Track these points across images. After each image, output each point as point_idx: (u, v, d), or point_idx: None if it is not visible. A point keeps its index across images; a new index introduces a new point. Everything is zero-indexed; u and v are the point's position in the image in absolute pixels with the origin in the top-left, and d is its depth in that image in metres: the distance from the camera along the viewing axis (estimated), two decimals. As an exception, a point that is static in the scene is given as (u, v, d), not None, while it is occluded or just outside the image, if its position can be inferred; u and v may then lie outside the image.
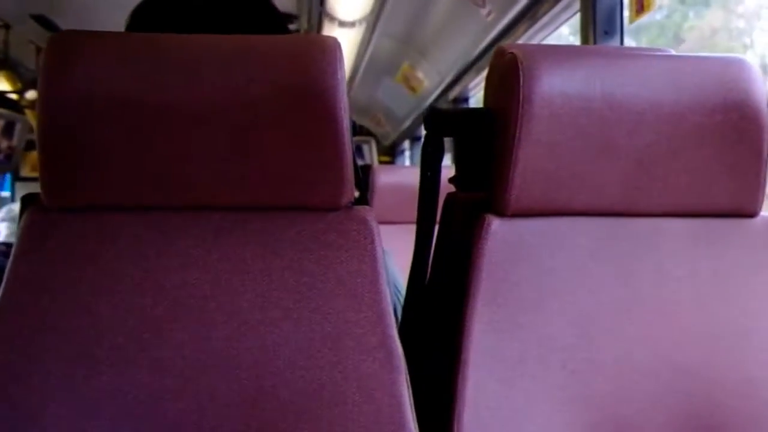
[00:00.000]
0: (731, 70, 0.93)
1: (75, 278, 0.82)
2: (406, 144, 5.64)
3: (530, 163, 0.89)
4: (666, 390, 0.92)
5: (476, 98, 3.83)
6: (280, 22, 1.13)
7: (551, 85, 0.87)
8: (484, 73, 2.95)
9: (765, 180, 0.95)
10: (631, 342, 0.92)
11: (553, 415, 0.89)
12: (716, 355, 0.93)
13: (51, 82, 0.79)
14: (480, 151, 0.96)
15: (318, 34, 0.92)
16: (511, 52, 0.90)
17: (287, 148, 0.82)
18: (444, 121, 1.01)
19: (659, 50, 1.06)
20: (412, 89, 4.48)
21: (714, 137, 0.92)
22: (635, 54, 0.96)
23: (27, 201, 0.88)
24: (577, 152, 0.89)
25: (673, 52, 1.01)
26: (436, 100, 4.22)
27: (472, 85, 3.68)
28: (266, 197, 0.85)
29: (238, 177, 0.83)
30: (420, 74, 4.18)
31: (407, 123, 5.25)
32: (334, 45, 0.83)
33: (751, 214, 0.97)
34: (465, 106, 3.82)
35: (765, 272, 0.96)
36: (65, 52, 0.80)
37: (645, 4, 2.04)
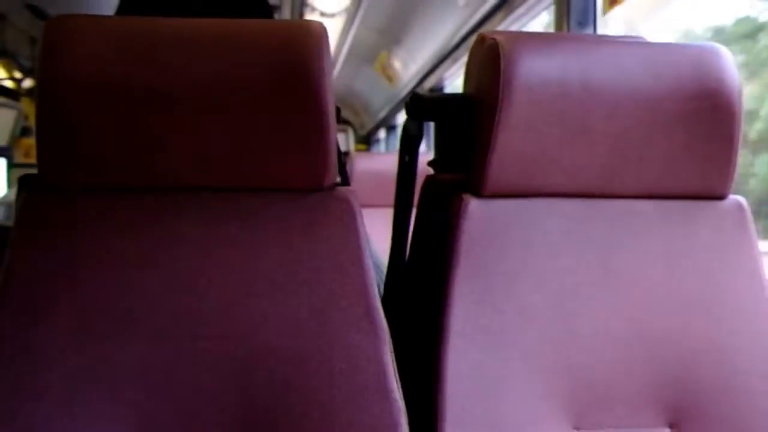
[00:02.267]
0: (706, 57, 0.90)
1: (72, 255, 0.80)
2: (382, 133, 5.52)
3: (509, 146, 0.86)
4: (640, 358, 0.90)
5: (452, 87, 3.68)
6: (268, 10, 1.09)
7: (531, 71, 0.85)
8: (460, 62, 2.84)
9: (735, 164, 0.93)
10: (606, 313, 0.90)
11: (531, 382, 0.87)
12: (688, 325, 0.92)
13: (48, 64, 0.77)
14: (459, 135, 0.94)
15: (306, 20, 0.86)
16: (493, 39, 0.88)
17: (274, 130, 0.81)
18: (425, 106, 0.98)
19: (636, 38, 1.04)
20: (389, 78, 4.38)
21: (688, 123, 0.89)
22: (613, 41, 0.93)
23: (24, 182, 0.85)
24: (554, 136, 0.87)
25: (648, 40, 0.99)
26: (413, 89, 4.08)
27: (447, 74, 3.54)
28: (254, 177, 0.84)
29: (228, 157, 0.82)
30: (397, 63, 4.08)
31: (383, 113, 5.14)
32: (320, 30, 0.82)
33: (721, 197, 0.95)
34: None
35: (733, 249, 0.95)
36: (62, 35, 0.78)
37: (618, -5, 1.95)
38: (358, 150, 5.97)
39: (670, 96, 0.88)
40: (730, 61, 0.91)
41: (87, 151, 0.80)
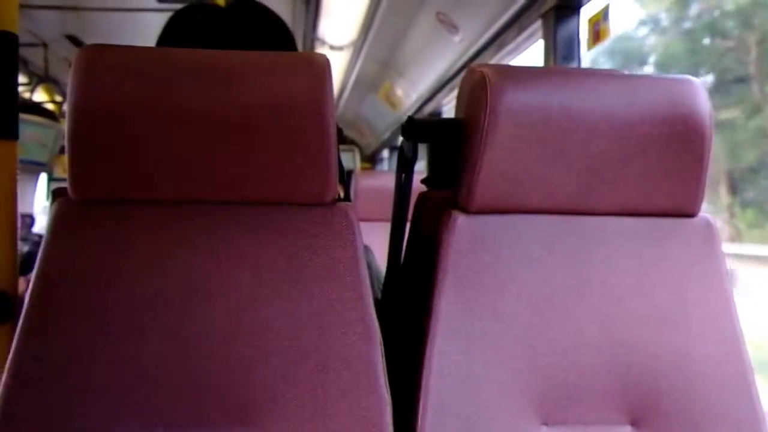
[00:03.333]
0: (679, 88, 0.92)
1: (96, 261, 0.82)
2: (386, 153, 5.58)
3: (493, 167, 0.89)
4: (608, 362, 0.92)
5: (449, 113, 3.75)
6: (293, 44, 1.11)
7: (514, 100, 0.87)
8: (456, 92, 2.91)
9: (704, 184, 0.95)
10: (580, 321, 0.92)
11: (506, 381, 0.89)
12: (656, 333, 0.93)
13: (78, 89, 0.79)
14: (450, 156, 0.96)
15: (311, 52, 0.90)
16: (480, 71, 0.91)
17: (280, 150, 0.83)
18: (420, 129, 1.01)
19: (614, 71, 1.05)
20: (392, 105, 4.41)
21: (660, 146, 0.91)
22: (593, 73, 0.94)
23: (56, 194, 0.89)
24: (535, 158, 0.89)
25: (627, 73, 0.99)
26: (413, 115, 4.12)
27: (445, 101, 3.61)
28: (262, 193, 0.85)
29: (238, 174, 0.84)
30: (399, 92, 4.12)
31: (387, 134, 5.19)
32: (323, 61, 0.84)
33: (691, 214, 0.96)
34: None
35: (701, 264, 0.96)
36: (91, 63, 0.80)
37: (600, 33, 2.02)
38: (363, 168, 6.00)
39: (645, 121, 0.90)
40: (702, 90, 0.93)
41: (110, 167, 0.82)
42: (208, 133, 0.81)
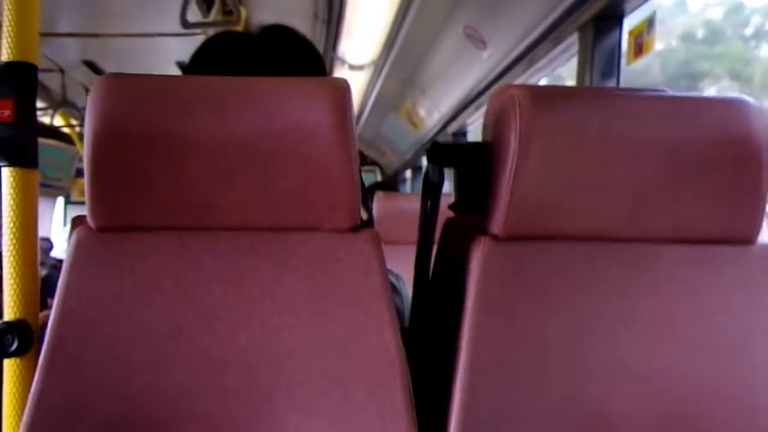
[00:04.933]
0: (731, 109, 0.87)
1: (116, 289, 0.82)
2: (408, 173, 5.48)
3: (524, 193, 0.85)
4: (657, 394, 0.87)
5: (474, 132, 3.64)
6: (323, 67, 1.08)
7: (546, 123, 0.83)
8: (482, 110, 2.78)
9: (763, 211, 0.90)
10: (624, 349, 0.87)
11: (545, 414, 0.85)
12: (710, 363, 0.88)
13: (97, 117, 0.79)
14: (478, 181, 0.93)
15: (330, 76, 0.86)
16: (510, 92, 0.87)
17: (302, 176, 0.81)
18: (445, 153, 0.98)
19: (657, 90, 0.99)
20: (414, 125, 4.33)
21: (712, 171, 0.86)
22: (633, 94, 0.89)
23: (76, 222, 0.89)
24: (571, 183, 0.85)
25: (670, 92, 0.94)
26: (437, 133, 4.04)
27: (470, 120, 3.49)
28: (283, 219, 0.84)
29: (258, 201, 0.83)
30: (422, 111, 4.03)
31: (409, 154, 5.10)
32: (344, 86, 0.83)
33: (749, 241, 0.91)
34: (463, 138, 3.65)
35: (760, 292, 0.90)
36: (110, 92, 0.80)
37: (644, 46, 1.88)
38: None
39: (694, 145, 0.85)
40: (758, 112, 0.88)
41: (129, 195, 0.81)
42: (227, 160, 0.80)
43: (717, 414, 0.87)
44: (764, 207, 0.90)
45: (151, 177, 0.81)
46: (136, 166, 0.80)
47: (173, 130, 0.79)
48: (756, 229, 0.91)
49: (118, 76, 0.82)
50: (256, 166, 0.81)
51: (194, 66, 1.04)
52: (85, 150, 0.81)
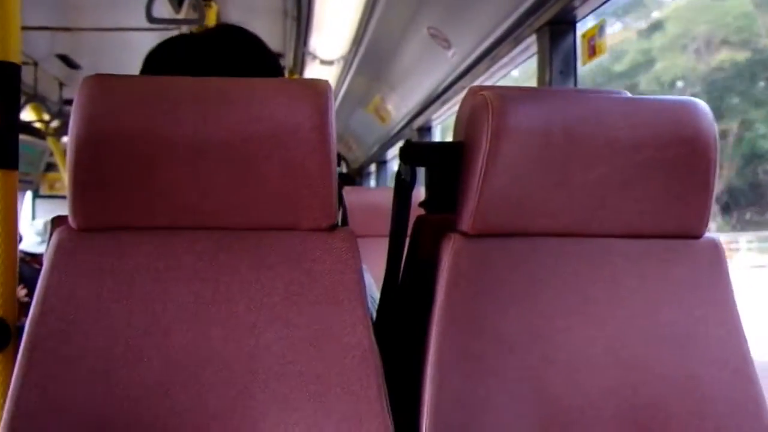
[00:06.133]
0: (683, 110, 0.90)
1: (96, 288, 0.81)
2: (373, 167, 5.52)
3: (494, 191, 0.87)
4: (614, 384, 0.89)
5: (439, 127, 3.72)
6: (277, 65, 1.09)
7: (516, 124, 0.85)
8: (448, 105, 2.82)
9: (711, 206, 0.93)
10: (583, 341, 0.90)
11: (511, 406, 0.87)
12: (662, 354, 0.90)
13: (81, 119, 0.79)
14: (449, 179, 0.94)
15: (312, 78, 0.88)
16: (482, 94, 0.88)
17: (282, 177, 0.82)
18: (418, 152, 0.99)
19: (616, 92, 1.03)
20: (382, 119, 4.37)
21: (665, 169, 0.89)
22: (595, 96, 0.93)
23: (57, 222, 0.88)
24: (537, 181, 0.87)
25: (628, 94, 0.98)
26: (402, 128, 4.10)
27: (435, 116, 3.56)
28: (261, 219, 0.84)
29: (237, 201, 0.83)
30: (389, 106, 4.07)
31: (375, 149, 5.14)
32: (326, 88, 0.83)
33: (697, 236, 0.95)
34: (428, 134, 3.72)
35: (708, 284, 0.94)
36: (94, 93, 0.79)
37: (596, 48, 1.97)
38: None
39: (648, 144, 0.88)
40: (708, 114, 0.91)
41: (111, 196, 0.81)
42: (209, 160, 0.80)
43: (669, 403, 0.89)
44: (711, 202, 0.92)
45: (132, 177, 0.81)
46: (118, 166, 0.80)
47: (155, 131, 0.79)
48: (704, 223, 0.94)
49: (103, 77, 0.81)
50: (237, 166, 0.81)
51: (149, 65, 1.03)
52: (68, 151, 0.80)
